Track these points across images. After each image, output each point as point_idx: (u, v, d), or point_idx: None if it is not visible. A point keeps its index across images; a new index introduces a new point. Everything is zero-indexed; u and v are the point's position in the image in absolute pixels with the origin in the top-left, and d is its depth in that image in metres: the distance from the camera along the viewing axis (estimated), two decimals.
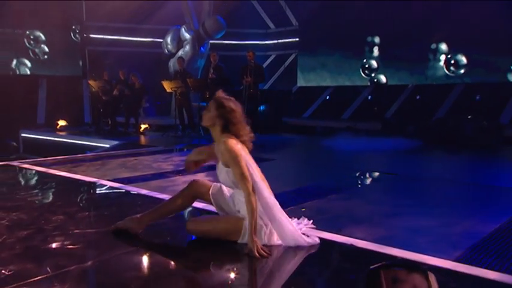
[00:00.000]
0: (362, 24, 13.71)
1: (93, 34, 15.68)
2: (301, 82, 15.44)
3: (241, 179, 2.98)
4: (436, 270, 2.76)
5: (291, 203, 4.48)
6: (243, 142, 3.16)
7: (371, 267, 2.09)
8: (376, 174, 6.13)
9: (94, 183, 5.49)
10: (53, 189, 5.31)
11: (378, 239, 3.32)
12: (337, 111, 13.58)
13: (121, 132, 12.09)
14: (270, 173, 6.56)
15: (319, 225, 3.61)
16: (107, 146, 10.00)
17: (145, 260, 3.13)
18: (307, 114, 14.16)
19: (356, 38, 13.92)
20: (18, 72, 14.37)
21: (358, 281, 2.63)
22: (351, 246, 3.20)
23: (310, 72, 15.18)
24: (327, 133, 11.25)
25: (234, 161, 3.00)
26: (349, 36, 14.00)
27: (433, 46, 12.61)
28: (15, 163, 7.06)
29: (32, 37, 14.39)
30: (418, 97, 12.77)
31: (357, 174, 6.13)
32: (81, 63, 15.50)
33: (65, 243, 3.32)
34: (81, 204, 4.60)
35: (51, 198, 4.81)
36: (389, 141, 9.51)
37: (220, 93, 3.25)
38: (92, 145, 10.50)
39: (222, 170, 3.22)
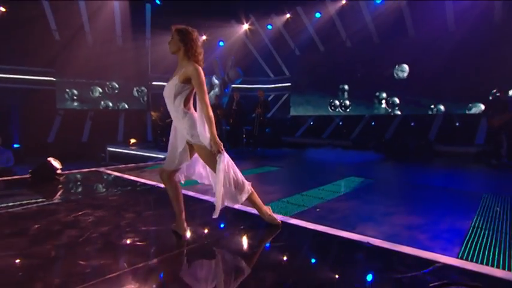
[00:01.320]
0: (335, 76, 13.20)
1: (154, 82, 15.13)
2: (293, 112, 14.79)
3: (203, 96, 2.47)
4: (450, 268, 2.13)
5: (306, 203, 3.82)
6: (199, 62, 2.55)
7: (430, 285, 1.47)
8: (361, 179, 5.38)
9: (154, 185, 4.83)
10: (126, 191, 4.64)
11: (388, 237, 2.64)
12: (319, 132, 12.92)
13: None
14: (281, 179, 6.04)
15: (335, 224, 2.95)
16: (163, 156, 9.39)
17: (202, 256, 2.48)
18: (298, 134, 13.50)
19: (330, 84, 13.37)
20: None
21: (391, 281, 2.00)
22: (368, 244, 2.49)
23: (299, 106, 14.57)
24: (313, 147, 10.55)
25: (201, 85, 2.46)
26: (325, 83, 13.49)
27: (377, 93, 12.18)
28: (101, 169, 6.41)
29: (110, 86, 13.97)
30: (373, 123, 12.14)
31: (347, 179, 5.39)
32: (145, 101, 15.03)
33: (135, 239, 2.68)
34: (146, 204, 3.93)
35: (124, 198, 4.15)
36: (359, 154, 8.79)
37: (177, 25, 2.61)
38: (153, 156, 9.89)
39: (172, 82, 2.54)
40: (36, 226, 3.00)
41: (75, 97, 13.35)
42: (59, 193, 4.54)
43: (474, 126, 9.94)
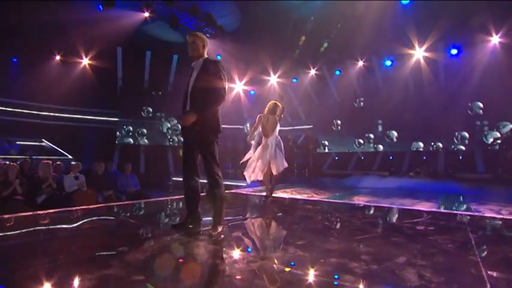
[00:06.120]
0: (349, 120, 13.94)
1: None
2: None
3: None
4: None
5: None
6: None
7: None
8: (456, 195, 5.68)
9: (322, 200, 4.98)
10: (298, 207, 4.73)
11: None
12: (343, 165, 13.43)
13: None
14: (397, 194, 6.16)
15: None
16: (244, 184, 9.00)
17: None
18: (326, 167, 13.82)
19: (345, 127, 14.05)
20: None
21: None
22: None
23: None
24: (345, 176, 10.85)
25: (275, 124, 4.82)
26: (341, 126, 14.23)
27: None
28: (238, 190, 6.46)
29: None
30: (391, 157, 12.89)
31: (448, 195, 5.59)
32: None
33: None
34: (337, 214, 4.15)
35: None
36: (401, 180, 9.14)
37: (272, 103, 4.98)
38: (232, 184, 9.27)
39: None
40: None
41: (130, 133, 13.20)
42: (265, 208, 4.55)
43: (473, 159, 11.11)
